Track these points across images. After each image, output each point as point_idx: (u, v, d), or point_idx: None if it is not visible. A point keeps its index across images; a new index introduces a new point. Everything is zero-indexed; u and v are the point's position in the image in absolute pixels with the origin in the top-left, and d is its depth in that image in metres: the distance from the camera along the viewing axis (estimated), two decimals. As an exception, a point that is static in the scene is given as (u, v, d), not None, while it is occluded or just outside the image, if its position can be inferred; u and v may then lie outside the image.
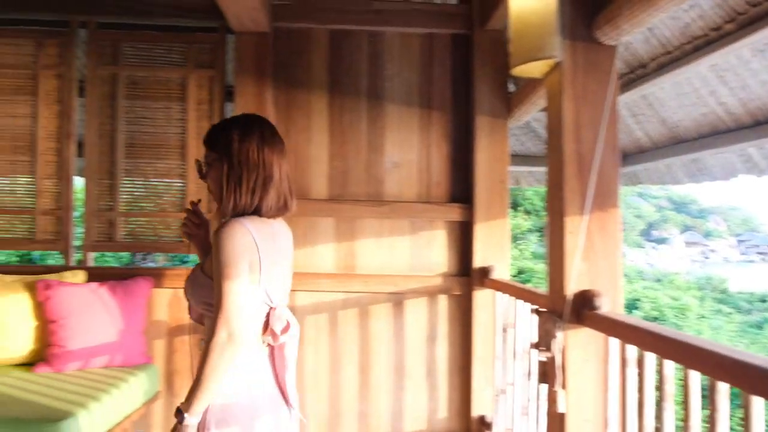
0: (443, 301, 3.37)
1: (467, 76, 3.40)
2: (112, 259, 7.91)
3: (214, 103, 3.36)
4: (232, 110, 3.29)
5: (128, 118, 3.37)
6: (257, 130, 1.58)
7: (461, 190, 3.40)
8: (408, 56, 3.40)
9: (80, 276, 3.21)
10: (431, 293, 3.36)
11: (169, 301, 3.33)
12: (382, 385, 3.35)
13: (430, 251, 3.39)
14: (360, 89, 3.38)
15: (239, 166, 1.53)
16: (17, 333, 3.00)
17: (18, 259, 8.39)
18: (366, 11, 3.34)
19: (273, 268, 1.57)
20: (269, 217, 1.58)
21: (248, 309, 1.51)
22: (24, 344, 3.01)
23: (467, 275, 3.34)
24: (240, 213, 1.53)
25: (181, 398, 3.23)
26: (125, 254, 8.98)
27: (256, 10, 2.94)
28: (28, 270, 3.29)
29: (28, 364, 2.99)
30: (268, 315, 1.58)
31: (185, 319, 3.33)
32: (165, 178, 3.39)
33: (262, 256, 1.52)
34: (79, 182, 3.61)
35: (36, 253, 8.19)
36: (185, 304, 3.26)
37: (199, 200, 1.78)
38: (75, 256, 3.39)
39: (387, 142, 3.39)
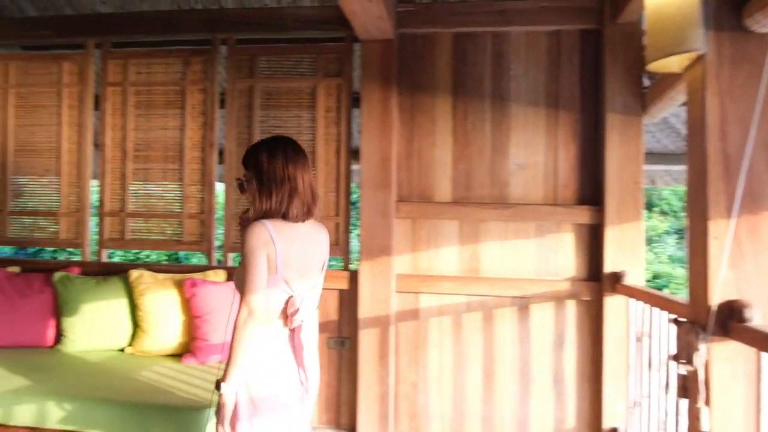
0: (571, 307, 3.25)
1: (597, 72, 3.25)
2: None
3: (341, 110, 3.48)
4: (359, 116, 3.39)
5: (263, 127, 3.58)
6: (281, 151, 1.88)
7: (590, 191, 3.26)
8: (534, 55, 3.32)
9: (221, 275, 3.46)
10: (558, 298, 3.25)
11: (300, 300, 3.49)
12: (506, 390, 3.30)
13: (557, 255, 3.28)
14: (484, 91, 3.35)
15: (269, 182, 1.85)
16: (168, 326, 3.30)
17: (167, 258, 9.21)
18: (490, 12, 3.31)
19: (293, 262, 1.84)
20: (295, 221, 1.87)
21: (265, 292, 1.78)
22: (174, 337, 3.30)
23: (597, 280, 3.20)
24: (267, 217, 1.83)
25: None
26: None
27: (382, 19, 3.01)
28: (176, 269, 3.60)
29: (177, 355, 3.27)
30: (287, 302, 1.84)
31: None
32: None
33: (279, 251, 1.80)
34: (220, 188, 3.89)
35: (181, 253, 8.96)
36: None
37: (247, 210, 2.03)
38: (215, 257, 3.66)
39: (512, 144, 3.33)
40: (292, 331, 1.88)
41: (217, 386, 1.77)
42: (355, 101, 3.61)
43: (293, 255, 1.84)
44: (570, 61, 3.29)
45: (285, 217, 1.85)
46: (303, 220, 1.90)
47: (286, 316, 1.84)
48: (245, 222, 1.97)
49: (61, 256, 8.49)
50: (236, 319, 1.76)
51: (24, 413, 2.59)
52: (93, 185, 3.86)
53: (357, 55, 3.60)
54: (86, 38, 3.76)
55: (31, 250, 8.70)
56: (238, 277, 1.84)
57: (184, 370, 3.04)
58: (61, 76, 3.82)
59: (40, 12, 4.17)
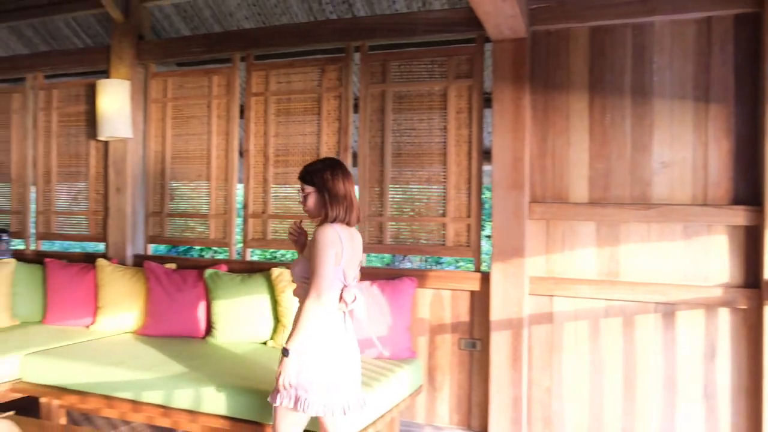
0: (724, 315, 3.00)
1: (756, 61, 2.98)
2: (375, 260, 8.63)
3: (472, 111, 3.48)
4: (491, 116, 3.37)
5: (395, 130, 3.67)
6: (339, 170, 2.33)
7: (747, 190, 2.99)
8: (680, 45, 3.11)
9: (355, 274, 3.58)
10: (709, 305, 3.02)
11: (430, 301, 3.53)
12: (649, 402, 3.11)
13: (707, 258, 3.04)
14: (624, 86, 3.19)
15: (335, 195, 2.28)
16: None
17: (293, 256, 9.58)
18: (630, 3, 3.15)
19: (348, 258, 2.29)
20: (350, 225, 2.34)
21: (331, 280, 2.21)
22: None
23: (756, 287, 2.93)
24: (333, 221, 2.28)
25: (441, 393, 3.39)
26: (387, 255, 9.72)
27: (515, 18, 2.97)
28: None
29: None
30: (342, 290, 2.28)
31: (446, 318, 3.50)
32: (427, 184, 3.60)
33: (343, 249, 2.25)
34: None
35: None
36: (446, 303, 3.42)
37: (301, 220, 2.60)
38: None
39: (655, 141, 3.14)
40: (344, 313, 2.33)
41: (285, 352, 2.19)
42: (486, 102, 3.59)
43: (348, 252, 2.28)
44: (722, 49, 3.04)
45: (344, 221, 2.30)
46: (354, 225, 2.37)
47: (340, 300, 2.27)
48: (298, 230, 2.51)
49: (207, 254, 9.21)
50: (306, 300, 2.18)
51: (183, 397, 2.83)
52: (238, 189, 4.15)
53: (488, 55, 3.58)
54: (233, 52, 4.06)
55: (181, 248, 9.48)
56: (300, 267, 2.30)
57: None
58: (211, 88, 4.15)
59: (192, 31, 4.57)
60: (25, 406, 3.32)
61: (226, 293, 3.62)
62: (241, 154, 4.12)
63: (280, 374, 2.21)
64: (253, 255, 4.20)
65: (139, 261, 4.24)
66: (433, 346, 3.53)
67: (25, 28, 5.05)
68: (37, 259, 4.42)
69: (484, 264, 3.61)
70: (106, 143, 4.40)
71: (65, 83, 4.68)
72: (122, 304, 3.84)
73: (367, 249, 3.73)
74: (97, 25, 4.80)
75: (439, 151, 3.58)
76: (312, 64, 3.88)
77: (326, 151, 3.81)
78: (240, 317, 3.58)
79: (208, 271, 3.75)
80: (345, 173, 2.34)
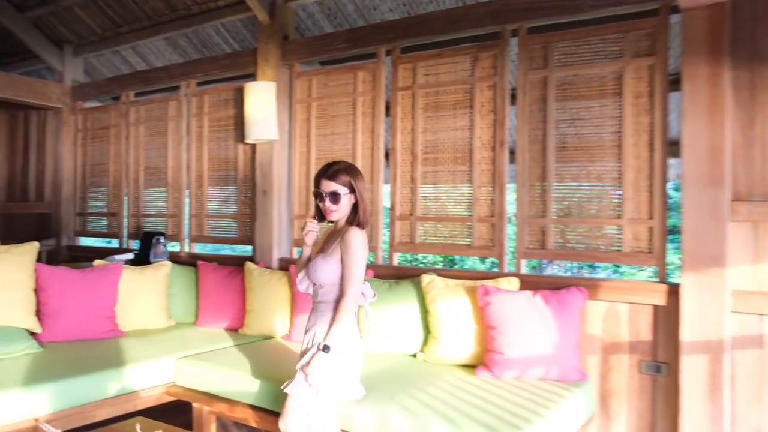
0: None
1: None
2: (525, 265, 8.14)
3: (654, 95, 2.97)
4: (679, 100, 2.84)
5: (558, 121, 3.24)
6: (360, 174, 2.48)
7: None
8: None
9: (514, 283, 3.21)
10: None
11: (604, 315, 3.06)
12: None
13: None
14: None
15: (363, 200, 2.44)
16: (460, 335, 3.15)
17: (442, 261, 9.24)
18: None
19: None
20: (364, 229, 2.46)
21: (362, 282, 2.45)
22: (466, 347, 3.13)
23: None
24: (362, 226, 2.45)
25: (617, 422, 2.92)
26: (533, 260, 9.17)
27: (717, -25, 2.45)
28: (467, 275, 3.44)
29: (469, 366, 3.10)
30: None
31: (622, 335, 3.02)
32: (598, 181, 3.14)
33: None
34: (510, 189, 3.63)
35: (457, 257, 8.85)
36: (623, 318, 2.94)
37: (315, 215, 2.54)
38: (507, 263, 3.42)
39: None
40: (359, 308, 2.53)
41: (325, 348, 2.33)
42: (671, 84, 3.05)
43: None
44: None
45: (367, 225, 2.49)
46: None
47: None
48: (314, 227, 2.52)
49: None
50: (345, 301, 2.36)
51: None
52: (384, 190, 3.93)
53: (674, 28, 3.04)
54: (377, 46, 3.85)
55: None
56: (326, 267, 2.41)
57: (479, 384, 2.85)
58: (355, 85, 3.98)
59: (335, 28, 4.44)
60: (180, 409, 3.33)
61: (376, 301, 3.40)
62: (386, 154, 3.90)
63: (308, 365, 2.35)
64: (403, 260, 3.95)
65: (285, 264, 4.16)
66: (607, 368, 3.06)
67: (180, 38, 5.23)
68: (191, 261, 4.52)
69: (671, 275, 3.08)
70: (253, 146, 4.39)
71: (215, 89, 4.76)
72: (270, 309, 3.77)
73: (526, 254, 3.34)
74: (244, 30, 4.84)
75: (611, 143, 3.10)
76: (463, 53, 3.55)
77: (480, 146, 3.47)
78: (388, 327, 3.36)
79: (356, 277, 3.57)
80: (362, 177, 2.50)
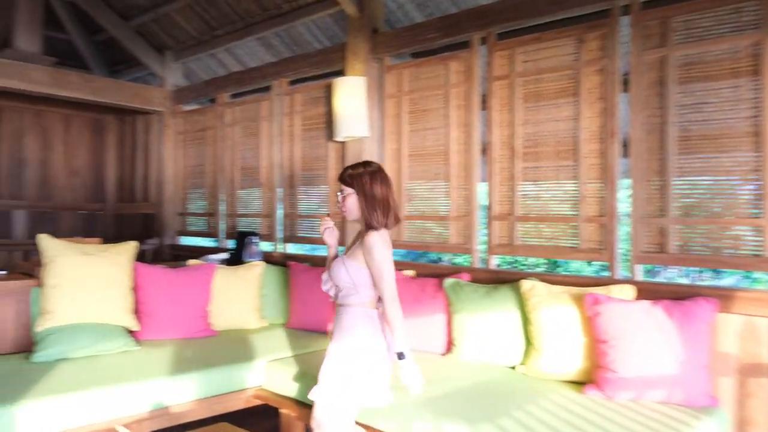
0: None
1: None
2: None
3: (802, 70, 2.51)
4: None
5: (680, 106, 2.84)
6: (378, 174, 2.44)
7: None
8: None
9: (628, 291, 2.85)
10: None
11: (740, 331, 2.63)
12: None
13: None
14: None
15: (371, 199, 2.40)
16: (565, 348, 2.84)
17: (545, 264, 8.65)
18: None
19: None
20: (389, 228, 2.45)
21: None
22: (572, 361, 2.82)
23: None
24: (384, 227, 2.43)
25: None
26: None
27: None
28: (573, 281, 3.11)
29: (577, 383, 2.79)
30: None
31: (764, 355, 2.58)
32: (730, 175, 2.71)
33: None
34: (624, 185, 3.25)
35: (561, 261, 8.26)
36: (764, 334, 2.51)
37: (329, 214, 2.73)
38: (620, 268, 3.05)
39: None
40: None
41: (400, 356, 2.34)
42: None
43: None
44: None
45: (386, 226, 2.43)
46: (392, 228, 2.49)
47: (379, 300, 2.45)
48: (329, 225, 2.58)
49: (444, 260, 8.93)
50: (387, 306, 2.34)
51: (421, 428, 2.43)
52: (481, 187, 3.66)
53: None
54: (471, 33, 3.58)
55: (415, 253, 9.31)
56: (343, 269, 2.42)
57: (588, 405, 2.53)
58: (448, 77, 3.73)
59: (426, 17, 4.21)
60: (266, 414, 3.25)
61: (469, 306, 3.18)
62: (483, 149, 3.63)
63: (406, 377, 2.35)
64: (503, 263, 3.67)
65: (377, 266, 4.00)
66: (744, 393, 2.62)
67: (272, 38, 5.21)
68: (283, 261, 4.47)
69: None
70: (343, 144, 4.26)
71: (306, 86, 4.68)
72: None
73: (642, 259, 2.96)
74: (334, 26, 4.73)
75: (747, 131, 2.66)
76: (566, 35, 3.22)
77: (587, 138, 3.13)
78: (485, 335, 3.11)
79: (449, 281, 3.34)
80: (384, 177, 2.45)
